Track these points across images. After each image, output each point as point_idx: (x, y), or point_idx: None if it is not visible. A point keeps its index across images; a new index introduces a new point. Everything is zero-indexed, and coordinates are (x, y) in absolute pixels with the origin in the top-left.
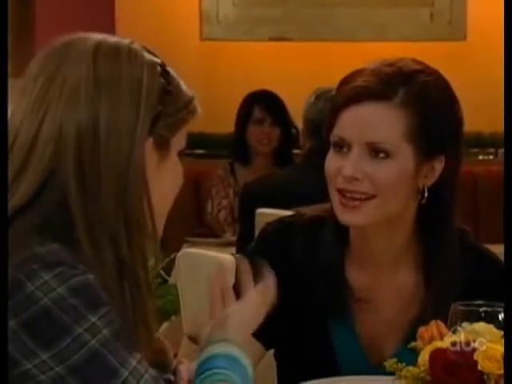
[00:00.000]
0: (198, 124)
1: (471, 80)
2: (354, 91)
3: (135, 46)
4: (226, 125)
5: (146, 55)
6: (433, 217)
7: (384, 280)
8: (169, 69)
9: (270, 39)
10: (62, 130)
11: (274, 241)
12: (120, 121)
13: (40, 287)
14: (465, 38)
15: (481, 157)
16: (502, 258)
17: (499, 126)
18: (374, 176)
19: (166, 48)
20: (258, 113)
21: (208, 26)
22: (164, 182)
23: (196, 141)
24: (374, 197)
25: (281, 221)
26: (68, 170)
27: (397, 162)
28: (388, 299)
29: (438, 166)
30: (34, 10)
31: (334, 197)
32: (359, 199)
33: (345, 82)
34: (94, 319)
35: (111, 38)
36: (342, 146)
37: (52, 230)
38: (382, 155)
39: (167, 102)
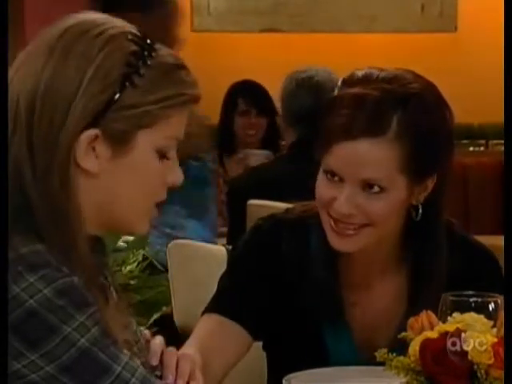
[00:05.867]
0: None
1: (461, 72)
2: (346, 127)
3: (113, 31)
4: (217, 116)
5: (119, 42)
6: (423, 222)
7: (375, 278)
8: (158, 60)
9: (261, 31)
10: (18, 104)
11: (266, 238)
12: (56, 96)
13: (25, 289)
14: (455, 29)
15: (471, 148)
16: (492, 249)
17: (489, 117)
18: (368, 210)
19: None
20: (242, 105)
21: (199, 18)
22: (121, 177)
23: None
24: (367, 225)
25: (273, 218)
26: (22, 146)
27: (391, 194)
28: (379, 297)
29: (430, 183)
30: (23, 10)
31: (326, 219)
32: (353, 229)
33: (332, 107)
34: (81, 319)
35: (96, 20)
36: (334, 175)
37: (24, 226)
38: (376, 190)
39: (128, 94)
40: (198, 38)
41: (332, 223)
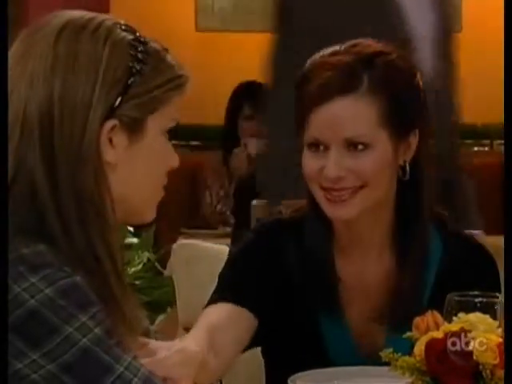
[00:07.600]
0: (194, 115)
1: (466, 72)
2: (320, 90)
3: (107, 23)
4: (222, 116)
5: (117, 33)
6: (409, 199)
7: (370, 268)
8: (151, 46)
9: (266, 30)
10: (26, 111)
11: (266, 240)
12: (74, 100)
13: (27, 289)
14: (460, 30)
15: (475, 148)
16: (492, 249)
17: (494, 117)
18: (357, 170)
19: (162, 39)
20: (247, 109)
21: (203, 17)
22: (137, 164)
23: (192, 132)
24: (360, 188)
25: (272, 220)
26: (36, 154)
27: (376, 150)
28: (375, 287)
29: (414, 140)
30: (27, 10)
31: (319, 193)
32: (348, 194)
33: (305, 79)
34: (84, 319)
35: (85, 16)
36: (318, 146)
37: (29, 227)
38: (360, 147)
39: (136, 82)
40: (203, 38)
41: (326, 194)
